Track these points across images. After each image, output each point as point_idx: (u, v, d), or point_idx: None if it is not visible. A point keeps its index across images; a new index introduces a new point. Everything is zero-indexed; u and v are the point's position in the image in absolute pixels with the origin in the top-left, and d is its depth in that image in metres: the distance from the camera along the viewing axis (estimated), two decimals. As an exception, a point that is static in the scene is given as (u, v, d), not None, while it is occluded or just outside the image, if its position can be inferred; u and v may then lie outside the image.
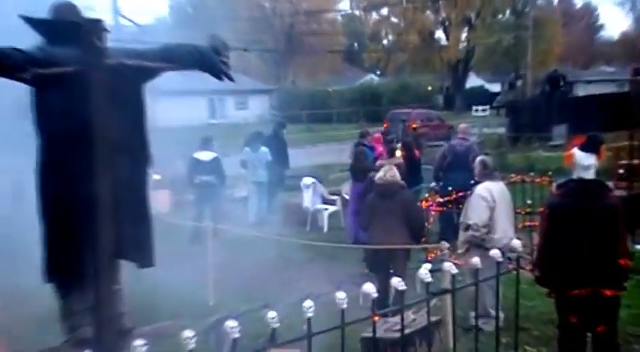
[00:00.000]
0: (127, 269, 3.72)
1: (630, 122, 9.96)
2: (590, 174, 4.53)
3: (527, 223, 8.88)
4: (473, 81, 58.70)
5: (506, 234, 6.04)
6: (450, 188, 9.08)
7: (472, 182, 6.57)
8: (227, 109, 44.25)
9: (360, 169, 9.69)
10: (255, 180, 11.91)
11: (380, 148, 11.59)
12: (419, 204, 7.21)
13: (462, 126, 10.63)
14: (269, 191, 11.97)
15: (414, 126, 24.96)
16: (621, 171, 10.02)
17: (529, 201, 8.89)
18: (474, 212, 6.06)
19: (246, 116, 41.74)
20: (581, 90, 40.03)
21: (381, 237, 6.55)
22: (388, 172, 6.84)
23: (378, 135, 12.60)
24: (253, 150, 11.78)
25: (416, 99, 47.22)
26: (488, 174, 6.28)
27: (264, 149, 11.78)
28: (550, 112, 23.14)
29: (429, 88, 50.64)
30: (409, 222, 6.55)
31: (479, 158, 6.54)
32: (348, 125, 39.12)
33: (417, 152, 10.88)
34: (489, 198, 6.05)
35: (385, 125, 20.63)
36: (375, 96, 48.10)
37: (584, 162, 4.54)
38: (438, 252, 6.96)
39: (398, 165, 7.88)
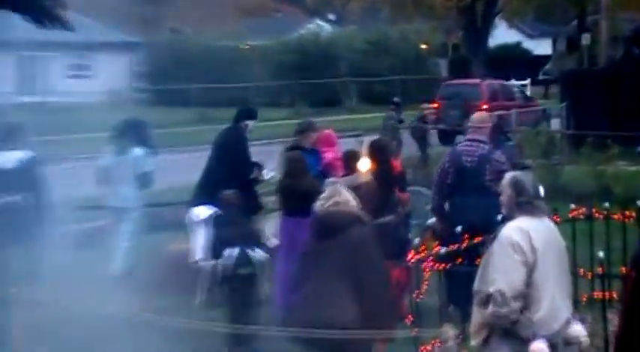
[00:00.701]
0: None
1: None
2: None
3: (598, 293, 8.95)
4: (502, 35, 59.77)
5: (557, 313, 6.16)
6: (459, 228, 9.17)
7: (499, 218, 6.67)
8: (52, 77, 43.80)
9: (296, 192, 9.74)
10: (114, 205, 12.12)
11: (330, 154, 11.63)
12: (377, 250, 7.24)
13: (478, 115, 10.71)
14: (137, 225, 12.14)
15: (485, 106, 25.37)
16: None
17: (601, 254, 8.98)
18: (499, 272, 6.15)
19: (87, 90, 41.40)
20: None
21: (313, 311, 6.60)
22: (333, 197, 6.95)
23: (328, 132, 12.65)
24: (118, 152, 12.04)
25: (399, 64, 47.69)
26: (525, 204, 6.36)
27: (137, 151, 12.03)
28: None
29: (423, 47, 51.28)
30: (359, 284, 6.62)
31: (509, 176, 6.64)
32: (277, 111, 39.23)
33: (395, 163, 10.98)
34: (525, 248, 6.14)
35: (436, 106, 20.79)
36: (326, 57, 48.53)
37: None
38: (438, 344, 6.95)
39: (363, 187, 7.90)
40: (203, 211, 11.66)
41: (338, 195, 6.99)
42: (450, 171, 9.93)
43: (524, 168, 9.37)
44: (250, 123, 12.59)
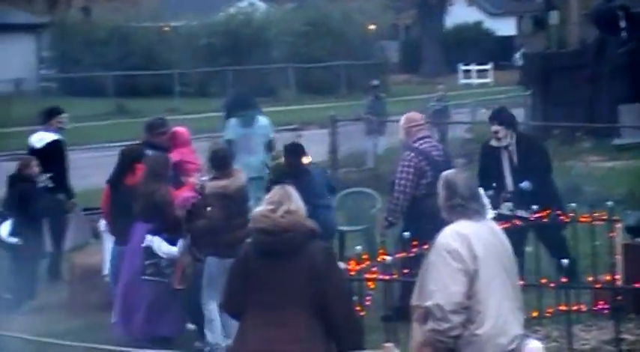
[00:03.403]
0: None
1: None
2: None
3: (563, 307, 8.99)
4: (460, 13, 60.02)
5: (505, 327, 6.21)
6: (406, 233, 9.43)
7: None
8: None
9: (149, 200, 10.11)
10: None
11: (177, 155, 11.56)
12: (338, 268, 6.96)
13: (412, 115, 10.88)
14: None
15: None
16: None
17: (566, 262, 8.97)
18: (437, 283, 6.19)
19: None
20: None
21: (278, 345, 6.29)
22: (283, 204, 6.41)
23: (180, 129, 12.48)
24: (244, 125, 13.61)
25: (343, 48, 47.13)
26: (457, 207, 6.43)
27: (263, 120, 13.74)
28: (613, 79, 23.89)
29: (371, 28, 51.07)
30: (329, 313, 6.35)
31: (442, 176, 6.74)
32: (204, 102, 38.82)
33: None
34: (465, 255, 6.18)
35: None
36: (260, 40, 48.18)
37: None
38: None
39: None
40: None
41: (289, 202, 6.43)
42: (427, 169, 9.99)
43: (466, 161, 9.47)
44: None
